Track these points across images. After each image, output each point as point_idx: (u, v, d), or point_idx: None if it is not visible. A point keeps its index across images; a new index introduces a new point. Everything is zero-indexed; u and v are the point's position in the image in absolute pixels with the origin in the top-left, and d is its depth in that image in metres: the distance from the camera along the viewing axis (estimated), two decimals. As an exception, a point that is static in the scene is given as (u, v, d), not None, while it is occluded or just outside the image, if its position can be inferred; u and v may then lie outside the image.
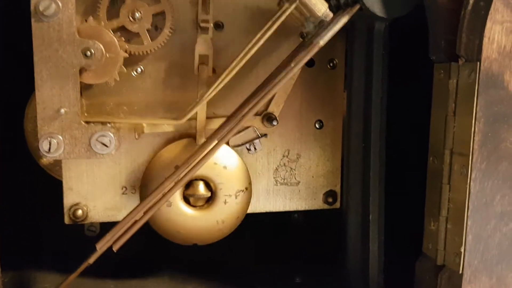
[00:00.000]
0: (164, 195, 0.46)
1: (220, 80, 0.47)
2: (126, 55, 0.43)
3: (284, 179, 0.54)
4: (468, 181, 0.42)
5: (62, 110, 0.41)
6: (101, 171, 0.51)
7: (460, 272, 0.43)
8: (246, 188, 0.51)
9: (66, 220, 0.51)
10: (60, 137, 0.42)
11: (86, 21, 0.46)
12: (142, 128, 0.49)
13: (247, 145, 0.53)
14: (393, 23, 0.46)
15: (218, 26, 0.50)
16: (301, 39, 0.51)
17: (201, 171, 0.48)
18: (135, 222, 0.46)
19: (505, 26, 0.40)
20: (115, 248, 0.46)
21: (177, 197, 0.50)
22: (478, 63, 0.40)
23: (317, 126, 0.54)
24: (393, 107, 0.50)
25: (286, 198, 0.55)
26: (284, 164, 0.54)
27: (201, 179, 0.50)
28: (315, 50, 0.44)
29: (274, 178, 0.54)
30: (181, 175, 0.46)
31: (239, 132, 0.51)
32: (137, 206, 0.46)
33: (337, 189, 0.56)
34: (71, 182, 0.50)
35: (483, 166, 0.42)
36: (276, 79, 0.45)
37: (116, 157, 0.50)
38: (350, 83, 0.50)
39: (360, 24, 0.47)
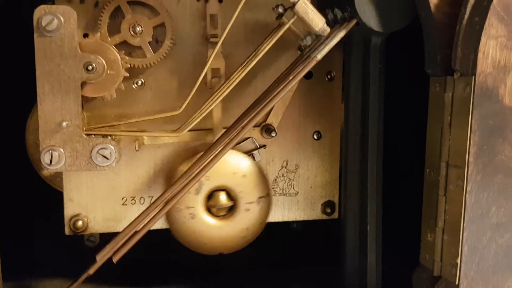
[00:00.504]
0: (163, 207, 0.46)
1: (220, 92, 0.48)
2: (127, 74, 0.44)
3: (282, 190, 0.55)
4: (464, 193, 0.42)
5: (64, 124, 0.42)
6: (101, 182, 0.51)
7: (457, 283, 0.43)
8: (267, 194, 0.52)
9: (67, 231, 0.51)
10: (62, 150, 0.42)
11: (87, 35, 0.47)
12: (143, 140, 0.50)
13: (246, 156, 0.53)
14: (390, 36, 0.47)
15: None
16: (299, 52, 0.52)
17: (222, 181, 0.50)
18: (135, 233, 0.46)
19: (499, 41, 0.41)
20: (115, 259, 0.46)
21: (200, 209, 0.51)
22: (473, 77, 0.41)
23: (315, 137, 0.55)
24: (390, 119, 0.51)
25: (284, 208, 0.55)
26: (283, 174, 0.55)
27: (222, 190, 0.51)
28: (312, 63, 0.45)
29: (273, 188, 0.54)
30: (181, 187, 0.47)
31: (238, 143, 0.52)
32: (137, 217, 0.47)
33: (335, 199, 0.56)
34: (72, 193, 0.51)
35: (478, 178, 0.42)
36: (275, 91, 0.46)
37: (116, 168, 0.50)
38: (348, 95, 0.50)
39: (357, 38, 0.47)
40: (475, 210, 0.42)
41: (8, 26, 0.56)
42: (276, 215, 0.55)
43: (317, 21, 0.44)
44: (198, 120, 0.48)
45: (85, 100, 0.48)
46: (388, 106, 0.50)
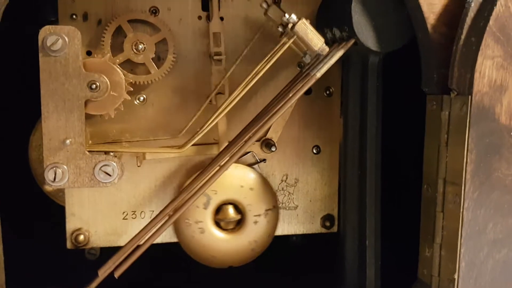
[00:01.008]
0: (166, 221, 0.47)
1: (221, 108, 0.48)
2: (128, 97, 0.44)
3: (282, 203, 0.56)
4: (461, 210, 0.43)
5: (68, 141, 0.42)
6: (103, 197, 0.52)
7: (454, 298, 0.44)
8: (274, 206, 0.53)
9: (69, 245, 0.51)
10: (65, 166, 0.43)
11: (90, 52, 0.48)
12: (144, 155, 0.51)
13: (247, 171, 0.53)
14: (387, 55, 0.48)
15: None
16: (298, 68, 0.52)
17: (229, 195, 0.51)
18: (138, 247, 0.47)
19: (495, 61, 0.42)
20: (116, 275, 0.46)
21: (209, 223, 0.51)
22: (470, 96, 0.42)
23: (314, 151, 0.55)
24: (388, 135, 0.52)
25: (284, 222, 0.56)
26: (283, 188, 0.55)
27: (230, 203, 0.52)
28: (312, 81, 0.46)
29: (272, 202, 0.55)
30: (184, 201, 0.47)
31: (239, 158, 0.52)
32: (139, 231, 0.47)
33: (335, 213, 0.57)
34: (74, 207, 0.51)
35: (475, 195, 0.43)
36: (275, 108, 0.46)
37: (118, 183, 0.51)
38: (346, 110, 0.51)
39: (355, 57, 0.48)
40: (472, 227, 0.43)
41: (11, 42, 0.56)
42: (276, 229, 0.56)
43: (316, 41, 0.45)
44: (201, 135, 0.48)
45: (87, 116, 0.49)
46: (386, 123, 0.50)
